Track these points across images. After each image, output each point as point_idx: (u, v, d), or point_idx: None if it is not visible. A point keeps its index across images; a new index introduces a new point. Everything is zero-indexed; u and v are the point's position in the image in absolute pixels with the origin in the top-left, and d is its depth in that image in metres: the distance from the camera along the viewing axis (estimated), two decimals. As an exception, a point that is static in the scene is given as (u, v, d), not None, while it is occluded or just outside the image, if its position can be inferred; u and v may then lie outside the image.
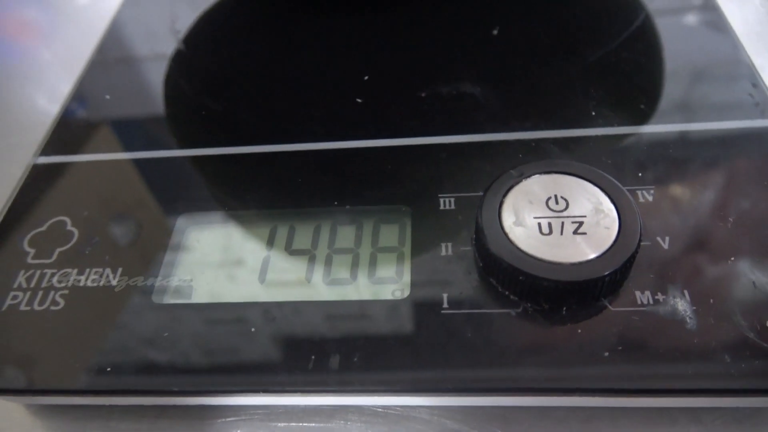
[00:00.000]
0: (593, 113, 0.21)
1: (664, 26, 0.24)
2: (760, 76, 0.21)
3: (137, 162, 0.21)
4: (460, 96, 0.22)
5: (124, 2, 0.30)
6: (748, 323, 0.15)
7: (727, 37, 0.23)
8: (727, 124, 0.20)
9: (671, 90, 0.21)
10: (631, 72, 0.22)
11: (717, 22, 0.24)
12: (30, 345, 0.17)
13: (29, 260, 0.19)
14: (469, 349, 0.15)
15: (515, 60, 0.24)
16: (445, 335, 0.16)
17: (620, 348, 0.15)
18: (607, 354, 0.15)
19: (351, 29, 0.27)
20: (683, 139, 0.19)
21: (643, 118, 0.20)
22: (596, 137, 0.20)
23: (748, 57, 0.22)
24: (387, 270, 0.18)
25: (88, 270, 0.18)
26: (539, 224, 0.16)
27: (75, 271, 0.18)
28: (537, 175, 0.17)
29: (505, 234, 0.16)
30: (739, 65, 0.22)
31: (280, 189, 0.20)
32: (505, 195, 0.17)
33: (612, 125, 0.20)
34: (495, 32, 0.25)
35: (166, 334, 0.17)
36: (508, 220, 0.16)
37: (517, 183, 0.17)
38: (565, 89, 0.22)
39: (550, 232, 0.16)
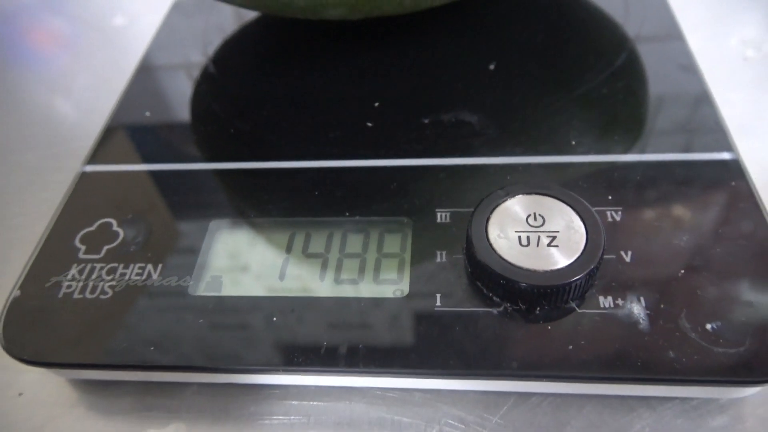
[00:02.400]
0: (573, 143, 0.23)
1: (639, 68, 0.26)
2: (721, 113, 0.23)
3: (173, 173, 0.24)
4: (458, 123, 0.24)
5: (161, 26, 0.33)
6: (691, 325, 0.17)
7: (694, 79, 0.25)
8: (688, 156, 0.22)
9: (642, 124, 0.24)
10: (608, 107, 0.24)
11: (687, 65, 0.26)
12: (82, 327, 0.19)
13: (81, 255, 0.21)
14: (457, 341, 0.17)
15: (508, 93, 0.26)
16: (438, 329, 0.18)
17: (584, 343, 0.17)
18: (572, 347, 0.17)
19: (363, 61, 0.29)
20: (649, 167, 0.22)
21: (615, 149, 0.23)
22: (575, 163, 0.22)
23: (712, 96, 0.24)
24: (389, 273, 0.20)
25: (132, 265, 0.20)
26: (519, 237, 0.18)
27: (121, 265, 0.20)
28: (520, 195, 0.19)
29: (491, 245, 0.18)
30: (702, 103, 0.24)
31: (299, 200, 0.22)
32: (492, 211, 0.19)
33: (589, 153, 0.22)
34: (491, 67, 0.27)
35: (200, 320, 0.19)
36: (493, 233, 0.18)
37: (503, 201, 0.19)
38: (549, 121, 0.24)
39: (528, 244, 0.18)
